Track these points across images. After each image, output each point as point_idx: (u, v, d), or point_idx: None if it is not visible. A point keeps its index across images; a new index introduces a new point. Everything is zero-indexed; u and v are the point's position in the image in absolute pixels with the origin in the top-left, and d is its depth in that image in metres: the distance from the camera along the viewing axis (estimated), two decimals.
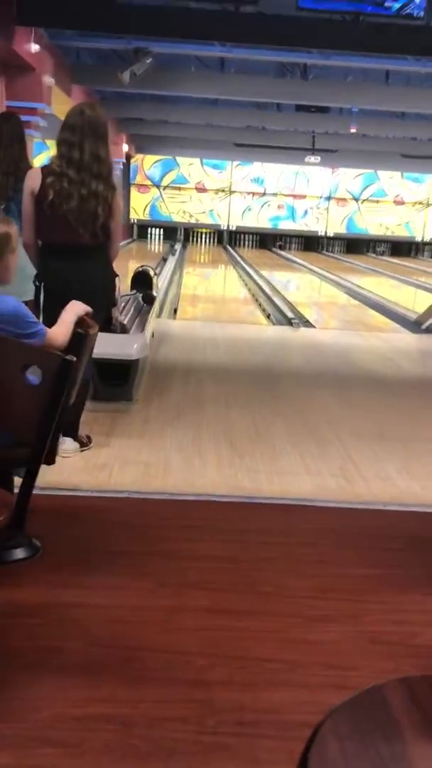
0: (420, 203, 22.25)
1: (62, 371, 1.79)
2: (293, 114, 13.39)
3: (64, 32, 8.38)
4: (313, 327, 8.43)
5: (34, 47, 7.59)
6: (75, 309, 2.29)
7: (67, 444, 3.18)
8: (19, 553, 2.31)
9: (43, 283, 3.16)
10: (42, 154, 13.39)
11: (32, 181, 3.10)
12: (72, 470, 3.07)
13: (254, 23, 6.47)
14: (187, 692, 1.77)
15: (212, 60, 10.85)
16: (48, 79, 8.30)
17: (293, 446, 3.60)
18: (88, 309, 2.34)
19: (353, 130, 13.80)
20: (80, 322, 2.25)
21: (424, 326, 7.70)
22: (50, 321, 2.54)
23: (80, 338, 2.18)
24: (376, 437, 3.83)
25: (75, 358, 1.88)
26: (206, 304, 11.14)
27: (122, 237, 3.33)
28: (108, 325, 3.65)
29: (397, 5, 5.24)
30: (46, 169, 3.12)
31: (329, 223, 22.33)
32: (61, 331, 2.18)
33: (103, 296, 3.27)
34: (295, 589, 2.30)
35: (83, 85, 10.85)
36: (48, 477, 2.67)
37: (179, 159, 21.16)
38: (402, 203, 22.28)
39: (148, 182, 21.62)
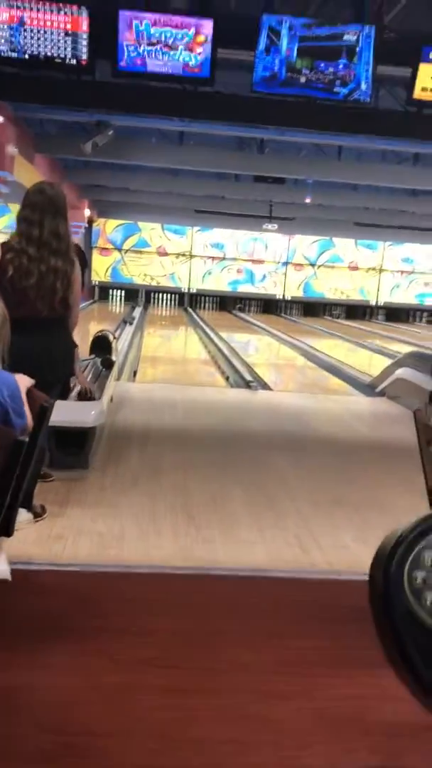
0: (373, 269, 23.02)
1: (15, 450, 1.81)
2: (251, 184, 13.89)
3: (28, 104, 8.63)
4: (271, 390, 8.56)
5: None
6: (23, 384, 2.31)
7: (21, 515, 3.13)
8: None
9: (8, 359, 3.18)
10: (4, 216, 13.57)
11: None
12: (26, 542, 3.02)
13: (211, 102, 6.79)
14: None
15: (172, 132, 11.26)
16: (11, 149, 8.50)
17: (250, 515, 3.62)
18: (32, 381, 2.36)
19: (308, 201, 14.34)
20: (28, 395, 2.28)
21: (378, 389, 7.88)
22: None
23: (44, 411, 2.21)
24: (332, 504, 3.87)
25: (27, 440, 1.89)
26: (166, 365, 11.24)
27: (83, 300, 3.46)
28: (65, 395, 3.67)
29: (345, 91, 5.57)
30: (5, 246, 3.20)
31: (287, 286, 22.90)
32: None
33: (62, 368, 3.34)
34: (250, 664, 2.29)
35: (46, 153, 11.11)
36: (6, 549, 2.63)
37: (141, 223, 21.62)
38: (356, 269, 23.03)
39: (110, 245, 21.96)
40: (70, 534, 3.19)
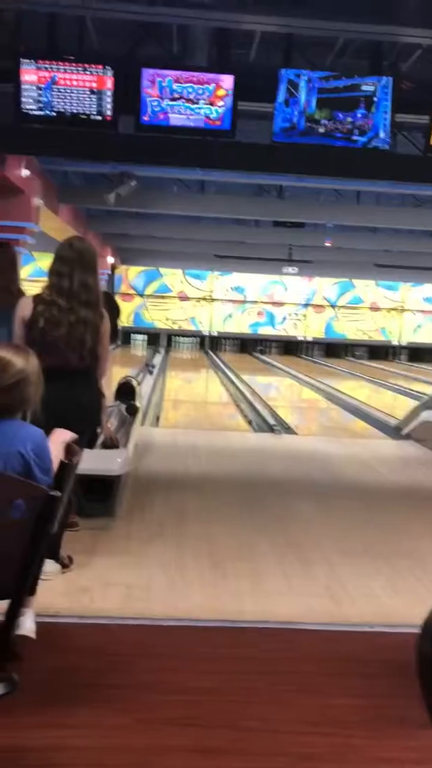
0: (395, 309, 23.03)
1: (47, 505, 1.81)
2: (271, 229, 14.08)
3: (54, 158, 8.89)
4: (295, 434, 8.52)
5: (25, 172, 8.03)
6: (60, 439, 2.33)
7: (48, 566, 3.11)
8: None
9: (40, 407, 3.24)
10: (29, 265, 13.86)
11: (23, 310, 3.25)
12: (53, 594, 2.99)
13: (232, 152, 6.94)
14: None
15: (193, 182, 11.50)
16: (37, 201, 8.73)
17: (277, 564, 3.57)
18: (74, 436, 2.39)
19: (328, 244, 14.47)
20: (66, 449, 2.30)
21: (404, 432, 7.81)
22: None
23: (65, 467, 2.22)
24: (360, 553, 3.81)
25: (60, 493, 1.90)
26: (188, 409, 11.25)
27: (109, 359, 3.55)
28: (93, 444, 3.69)
29: (363, 140, 5.66)
30: (37, 298, 3.26)
31: (308, 328, 22.97)
32: (53, 469, 2.24)
33: (90, 417, 3.37)
34: (281, 722, 2.23)
35: (70, 204, 11.39)
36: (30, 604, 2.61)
37: (162, 269, 21.93)
38: (378, 309, 23.05)
39: (132, 291, 22.26)
40: (97, 585, 3.16)
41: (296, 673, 2.55)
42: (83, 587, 3.12)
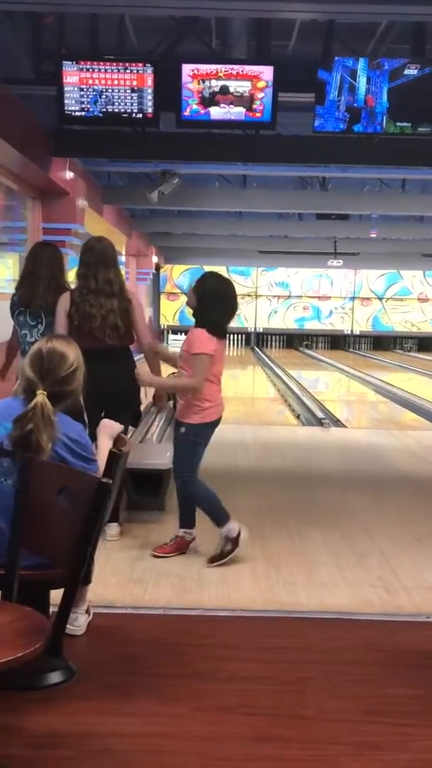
0: None
1: (99, 494, 1.83)
2: (314, 222, 13.92)
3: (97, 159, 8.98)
4: (344, 426, 8.43)
5: (69, 174, 8.13)
6: (109, 431, 2.36)
7: (112, 528, 3.57)
8: (54, 678, 2.26)
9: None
10: (76, 267, 14.05)
11: (64, 304, 3.65)
12: (107, 585, 3.04)
13: (273, 144, 6.89)
14: None
15: (235, 177, 11.47)
16: (81, 202, 8.83)
17: (330, 556, 3.54)
18: (121, 427, 2.42)
19: (373, 235, 14.25)
20: (115, 440, 2.32)
21: None
22: (91, 419, 2.98)
23: (114, 457, 2.24)
24: (413, 543, 3.75)
25: (111, 481, 1.92)
26: (236, 405, 11.23)
27: (151, 334, 3.89)
28: (137, 421, 3.91)
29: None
30: (72, 294, 3.66)
31: (354, 321, 22.70)
32: (102, 461, 2.28)
33: (131, 390, 3.66)
34: (338, 711, 2.22)
35: (114, 204, 11.48)
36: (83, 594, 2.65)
37: (206, 267, 21.96)
38: (426, 300, 22.62)
39: (177, 290, 22.37)
40: (151, 577, 3.19)
41: (352, 663, 2.53)
42: (137, 579, 3.16)
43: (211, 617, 2.84)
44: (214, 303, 3.42)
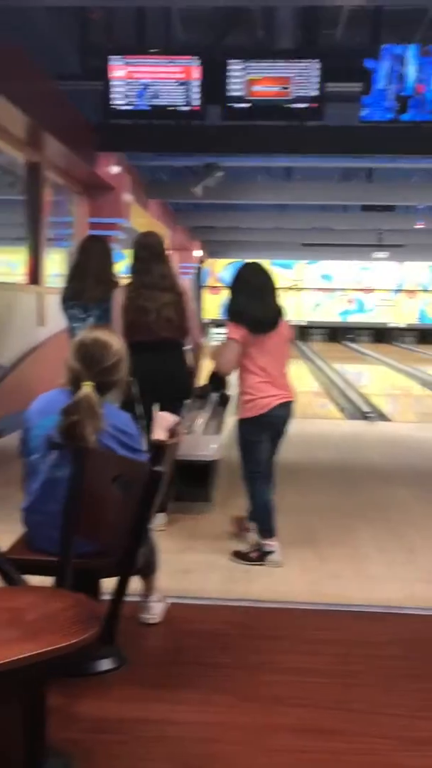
0: None
1: (152, 482, 1.85)
2: (359, 214, 13.75)
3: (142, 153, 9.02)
4: (389, 420, 8.33)
5: (115, 169, 8.20)
6: (165, 424, 2.37)
7: (159, 518, 3.57)
8: (106, 665, 2.30)
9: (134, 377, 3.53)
10: (121, 261, 14.17)
11: (119, 299, 3.72)
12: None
13: (319, 135, 6.83)
14: None
15: (278, 170, 11.39)
16: (127, 197, 8.89)
17: (377, 550, 3.51)
18: (177, 419, 2.43)
19: (420, 226, 14.00)
20: (171, 433, 2.34)
21: None
22: (145, 408, 3.20)
23: (165, 447, 2.25)
24: None
25: (164, 469, 1.94)
26: None
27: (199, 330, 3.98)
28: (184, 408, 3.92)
29: None
30: (127, 289, 3.72)
31: (400, 314, 22.37)
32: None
33: (184, 382, 3.76)
34: (388, 705, 2.20)
35: (158, 199, 11.53)
36: (132, 583, 2.67)
37: (249, 261, 21.87)
38: None
39: (219, 284, 22.37)
40: (199, 568, 3.21)
41: (401, 657, 2.50)
42: (185, 569, 3.18)
43: (259, 608, 2.85)
44: (239, 293, 3.37)
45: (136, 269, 3.73)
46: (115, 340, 2.34)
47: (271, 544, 3.30)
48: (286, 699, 2.21)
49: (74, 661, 2.06)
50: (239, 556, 3.33)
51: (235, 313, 3.34)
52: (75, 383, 2.23)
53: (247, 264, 3.50)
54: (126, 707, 2.14)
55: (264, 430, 3.32)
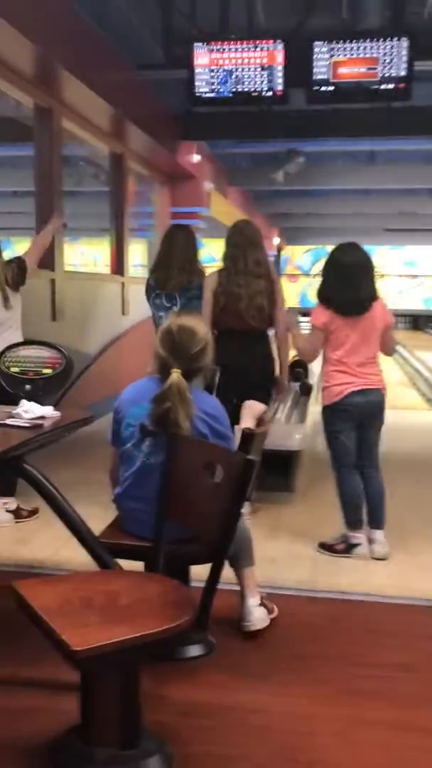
0: None
1: (245, 470, 1.84)
2: None
3: (222, 141, 9.00)
4: None
5: (196, 158, 8.21)
6: (253, 412, 2.36)
7: (245, 507, 3.42)
8: (195, 651, 2.31)
9: (220, 366, 3.60)
10: (201, 250, 14.22)
11: (211, 285, 3.72)
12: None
13: (405, 116, 6.61)
14: None
15: (361, 154, 11.13)
16: (207, 185, 8.89)
17: None
18: (264, 407, 2.41)
19: None
20: (258, 421, 2.33)
21: None
22: (223, 396, 3.07)
23: (253, 436, 2.24)
24: None
25: (257, 458, 1.92)
26: None
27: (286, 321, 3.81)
28: (269, 398, 3.82)
29: None
30: (220, 274, 3.71)
31: None
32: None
33: (269, 371, 3.72)
34: None
35: (239, 186, 11.49)
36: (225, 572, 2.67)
37: (329, 247, 21.52)
38: None
39: (298, 271, 22.14)
40: (284, 558, 3.19)
41: None
42: (270, 558, 3.16)
43: (348, 601, 2.80)
44: (328, 274, 3.27)
45: (230, 255, 3.70)
46: (200, 327, 2.34)
47: (358, 536, 3.24)
48: (378, 693, 2.16)
49: (165, 646, 2.09)
50: (325, 547, 3.28)
51: (323, 296, 3.27)
52: (163, 371, 2.25)
53: (341, 245, 3.37)
54: (215, 693, 2.15)
55: (342, 419, 3.23)
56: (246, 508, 3.60)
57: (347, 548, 3.24)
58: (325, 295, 3.26)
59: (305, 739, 1.95)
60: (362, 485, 3.31)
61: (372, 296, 3.26)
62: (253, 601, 2.48)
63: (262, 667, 2.31)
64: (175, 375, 2.19)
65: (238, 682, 2.22)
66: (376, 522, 3.28)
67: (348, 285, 3.20)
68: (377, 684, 2.21)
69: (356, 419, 3.25)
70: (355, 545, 3.23)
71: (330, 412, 3.24)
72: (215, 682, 2.21)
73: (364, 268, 3.27)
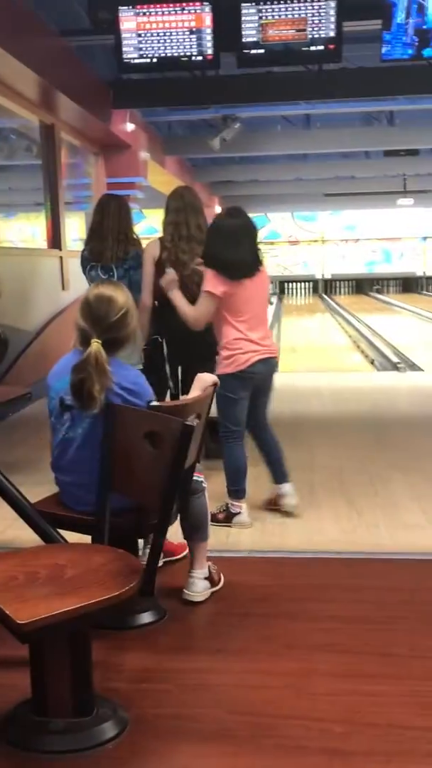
0: None
1: (183, 437, 1.84)
2: (382, 160, 13.38)
3: (156, 109, 8.84)
4: (421, 370, 8.23)
5: (130, 126, 8.05)
6: (202, 384, 2.35)
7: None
8: (147, 618, 2.33)
9: (164, 338, 3.63)
10: (140, 222, 14.03)
11: (153, 251, 3.65)
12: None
13: (337, 79, 6.61)
14: (327, 762, 1.71)
15: (298, 117, 11.09)
16: (144, 154, 8.75)
17: (413, 500, 3.49)
18: (214, 379, 2.40)
19: None
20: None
21: None
22: (173, 368, 3.20)
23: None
24: None
25: (196, 422, 1.93)
26: (307, 354, 11.13)
27: None
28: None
29: None
30: (163, 240, 3.64)
31: (428, 263, 21.94)
32: None
33: (212, 336, 3.51)
34: (429, 650, 2.20)
35: (176, 155, 11.34)
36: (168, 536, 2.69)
37: (270, 215, 21.54)
38: None
39: None
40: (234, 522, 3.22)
41: None
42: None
43: (296, 559, 2.86)
44: (210, 238, 3.24)
45: (172, 221, 3.62)
46: (119, 295, 2.23)
47: (239, 505, 3.21)
48: (327, 646, 2.22)
49: (116, 615, 2.10)
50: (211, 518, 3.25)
51: (209, 257, 3.17)
52: (85, 342, 2.17)
53: (224, 209, 3.43)
54: (168, 658, 2.17)
55: (245, 388, 3.17)
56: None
57: (227, 517, 3.20)
58: (210, 257, 3.17)
59: (257, 693, 1.99)
60: (261, 448, 3.32)
61: (256, 258, 3.20)
62: (199, 572, 2.49)
63: (213, 628, 2.35)
64: (95, 345, 2.12)
65: (191, 645, 2.25)
66: (283, 476, 3.31)
67: (229, 245, 3.11)
68: (326, 637, 2.27)
69: (256, 386, 3.22)
70: (235, 514, 3.20)
71: (233, 379, 3.12)
72: (168, 647, 2.24)
73: (244, 230, 3.19)
